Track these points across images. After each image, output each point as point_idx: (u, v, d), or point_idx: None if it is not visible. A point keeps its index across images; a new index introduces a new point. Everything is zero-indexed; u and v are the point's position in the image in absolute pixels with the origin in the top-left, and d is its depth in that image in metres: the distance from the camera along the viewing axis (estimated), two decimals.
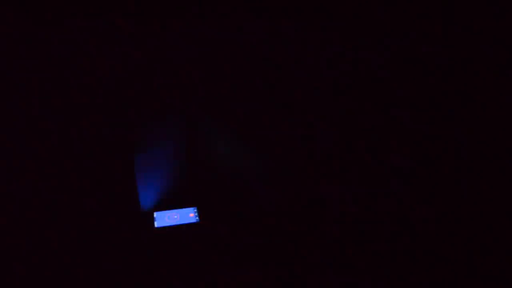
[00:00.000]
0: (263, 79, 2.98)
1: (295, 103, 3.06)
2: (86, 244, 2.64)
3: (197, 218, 3.06)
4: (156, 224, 2.96)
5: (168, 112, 3.01)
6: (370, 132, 3.07)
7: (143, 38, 2.65)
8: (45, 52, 2.47)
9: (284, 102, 3.06)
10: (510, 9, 2.52)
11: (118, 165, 2.87)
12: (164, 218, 3.02)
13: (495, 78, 2.70)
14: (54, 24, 2.40)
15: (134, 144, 2.90)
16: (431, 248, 2.72)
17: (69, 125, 2.68)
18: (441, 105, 2.89)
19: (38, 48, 2.45)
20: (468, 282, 2.50)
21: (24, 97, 2.51)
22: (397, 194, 2.99)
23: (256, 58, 2.91)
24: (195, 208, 3.14)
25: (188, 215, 3.08)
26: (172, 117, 3.05)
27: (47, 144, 2.63)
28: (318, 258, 2.70)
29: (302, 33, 2.86)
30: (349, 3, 2.75)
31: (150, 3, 2.49)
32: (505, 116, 2.70)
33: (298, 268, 2.62)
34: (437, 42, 2.80)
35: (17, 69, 2.44)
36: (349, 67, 2.99)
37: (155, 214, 3.03)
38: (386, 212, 2.96)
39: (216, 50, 2.84)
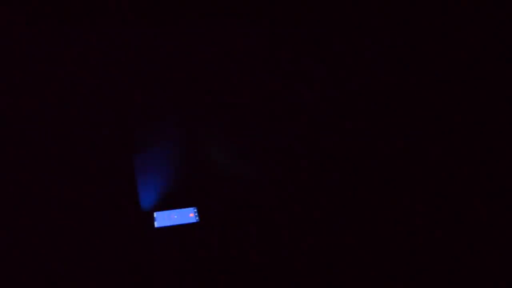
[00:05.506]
0: (262, 80, 2.98)
1: (294, 104, 3.06)
2: (86, 244, 2.64)
3: (197, 218, 3.06)
4: (156, 224, 2.96)
5: (168, 112, 3.01)
6: (369, 132, 3.07)
7: (144, 39, 2.65)
8: (46, 51, 2.47)
9: (283, 103, 3.06)
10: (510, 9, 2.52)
11: (118, 165, 2.87)
12: (164, 218, 3.02)
13: (495, 78, 2.70)
14: (54, 24, 2.41)
15: (134, 144, 2.90)
16: (430, 248, 2.72)
17: (69, 125, 2.68)
18: (441, 105, 2.89)
19: (38, 48, 2.44)
20: (467, 282, 2.50)
21: (24, 96, 2.51)
22: (396, 194, 2.99)
23: (256, 59, 2.91)
24: (195, 208, 3.14)
25: (188, 215, 3.08)
26: (172, 117, 3.05)
27: (47, 144, 2.64)
28: (318, 259, 2.70)
29: (300, 35, 2.86)
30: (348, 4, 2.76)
31: (153, 4, 2.49)
32: (505, 116, 2.70)
33: (297, 267, 2.62)
34: (436, 42, 2.80)
35: (17, 68, 2.44)
36: (348, 68, 2.99)
37: (155, 214, 3.03)
38: (385, 212, 2.96)
39: (217, 50, 2.84)
